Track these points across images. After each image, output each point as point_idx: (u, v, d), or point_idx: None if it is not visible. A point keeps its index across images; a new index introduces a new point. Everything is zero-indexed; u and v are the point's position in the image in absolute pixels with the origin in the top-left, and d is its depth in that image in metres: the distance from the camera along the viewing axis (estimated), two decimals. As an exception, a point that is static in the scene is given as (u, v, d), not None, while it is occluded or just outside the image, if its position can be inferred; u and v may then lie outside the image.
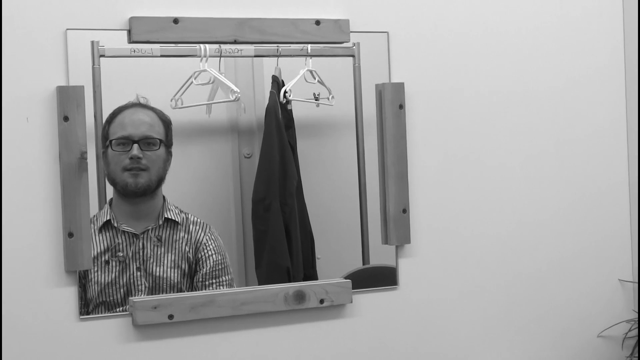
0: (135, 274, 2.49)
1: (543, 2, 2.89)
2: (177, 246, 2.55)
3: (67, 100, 2.35)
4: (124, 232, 2.50)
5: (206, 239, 2.57)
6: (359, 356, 2.69)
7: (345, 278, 2.67)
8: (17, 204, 2.34)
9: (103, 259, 2.47)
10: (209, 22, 2.49)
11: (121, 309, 2.46)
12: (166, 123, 2.52)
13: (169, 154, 2.52)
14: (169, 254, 2.53)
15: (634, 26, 2.95)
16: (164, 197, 2.54)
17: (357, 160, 2.72)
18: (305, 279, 2.65)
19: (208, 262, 2.56)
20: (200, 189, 2.61)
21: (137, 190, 2.49)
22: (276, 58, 2.61)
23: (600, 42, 2.97)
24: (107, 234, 2.49)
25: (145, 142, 2.49)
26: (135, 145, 2.47)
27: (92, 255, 2.41)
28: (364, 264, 2.73)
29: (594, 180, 2.96)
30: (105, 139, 2.46)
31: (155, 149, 2.50)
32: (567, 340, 2.93)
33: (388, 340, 2.72)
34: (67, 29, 2.37)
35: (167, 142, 2.52)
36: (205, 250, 2.56)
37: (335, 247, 2.74)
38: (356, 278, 2.68)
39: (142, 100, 2.51)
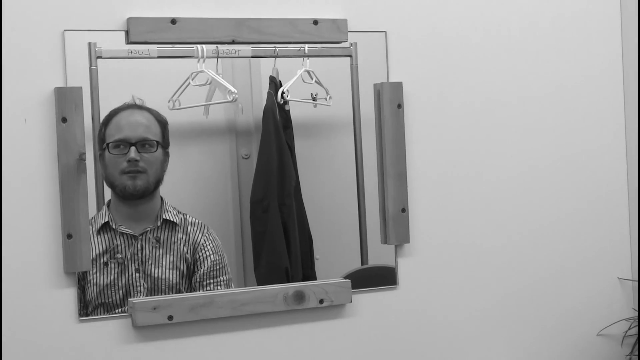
0: (134, 276, 2.49)
1: (542, 3, 2.89)
2: (175, 247, 2.54)
3: (65, 102, 2.35)
4: (122, 233, 2.50)
5: (204, 240, 2.57)
6: (359, 356, 2.69)
7: (344, 278, 2.67)
8: (15, 205, 2.34)
9: (102, 260, 2.47)
10: (206, 23, 2.49)
11: (120, 310, 2.46)
12: (162, 124, 2.52)
13: (166, 155, 2.52)
14: (168, 255, 2.53)
15: (633, 28, 2.95)
16: (161, 198, 2.54)
17: (355, 160, 2.72)
18: (304, 279, 2.65)
19: (206, 262, 2.56)
20: (199, 190, 2.61)
21: (136, 193, 2.49)
22: (273, 59, 2.61)
23: (599, 41, 2.97)
24: (106, 235, 2.49)
25: (142, 144, 2.49)
26: (133, 148, 2.47)
27: (91, 257, 2.41)
28: (362, 264, 2.72)
29: (593, 179, 2.96)
30: (101, 142, 2.45)
31: (152, 151, 2.50)
32: (566, 338, 2.93)
33: (388, 340, 2.72)
34: (65, 30, 2.37)
35: (164, 143, 2.52)
36: (203, 251, 2.56)
37: (334, 248, 2.74)
38: (355, 278, 2.67)
39: (137, 102, 2.51)
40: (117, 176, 2.47)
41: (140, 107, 2.51)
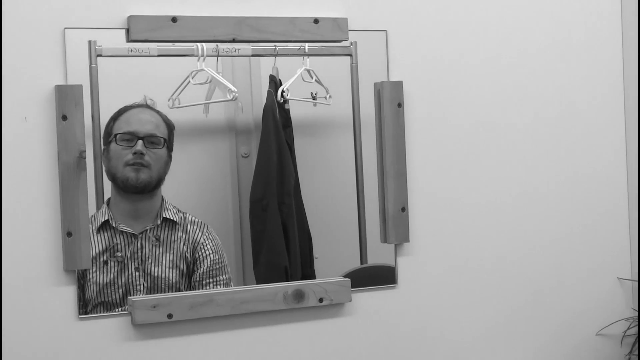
0: (133, 274, 2.49)
1: (542, 4, 2.89)
2: (175, 246, 2.54)
3: (66, 100, 2.35)
4: (122, 232, 2.50)
5: (204, 239, 2.57)
6: (358, 354, 2.69)
7: (344, 277, 2.66)
8: (16, 203, 2.34)
9: (101, 259, 2.47)
10: (207, 21, 2.49)
11: (120, 309, 2.46)
12: (170, 127, 2.53)
13: (169, 157, 2.52)
14: (167, 254, 2.53)
15: (633, 28, 2.95)
16: (162, 197, 2.54)
17: (354, 159, 2.71)
18: (304, 278, 2.64)
19: (205, 261, 2.56)
20: (198, 189, 2.61)
21: (138, 185, 2.49)
22: (273, 57, 2.61)
23: (600, 41, 2.97)
24: (106, 234, 2.49)
25: (150, 140, 2.49)
26: (140, 142, 2.48)
27: (91, 256, 2.41)
28: (362, 263, 2.72)
29: (593, 179, 2.96)
30: (108, 135, 2.46)
31: (158, 148, 2.50)
32: (566, 338, 2.93)
33: (387, 339, 2.72)
34: (66, 28, 2.37)
35: (169, 145, 2.52)
36: (203, 250, 2.56)
37: (334, 247, 2.74)
38: (354, 277, 2.67)
39: (149, 102, 2.51)
40: (121, 168, 2.47)
41: (151, 108, 2.52)
